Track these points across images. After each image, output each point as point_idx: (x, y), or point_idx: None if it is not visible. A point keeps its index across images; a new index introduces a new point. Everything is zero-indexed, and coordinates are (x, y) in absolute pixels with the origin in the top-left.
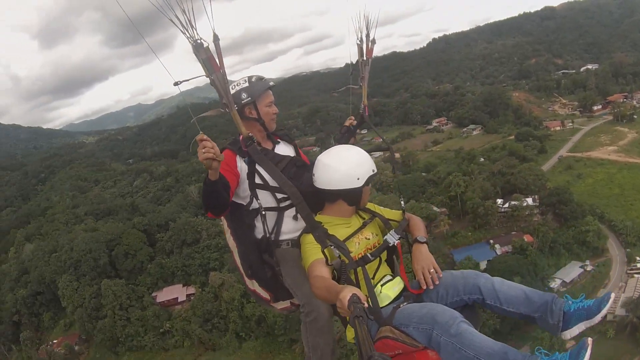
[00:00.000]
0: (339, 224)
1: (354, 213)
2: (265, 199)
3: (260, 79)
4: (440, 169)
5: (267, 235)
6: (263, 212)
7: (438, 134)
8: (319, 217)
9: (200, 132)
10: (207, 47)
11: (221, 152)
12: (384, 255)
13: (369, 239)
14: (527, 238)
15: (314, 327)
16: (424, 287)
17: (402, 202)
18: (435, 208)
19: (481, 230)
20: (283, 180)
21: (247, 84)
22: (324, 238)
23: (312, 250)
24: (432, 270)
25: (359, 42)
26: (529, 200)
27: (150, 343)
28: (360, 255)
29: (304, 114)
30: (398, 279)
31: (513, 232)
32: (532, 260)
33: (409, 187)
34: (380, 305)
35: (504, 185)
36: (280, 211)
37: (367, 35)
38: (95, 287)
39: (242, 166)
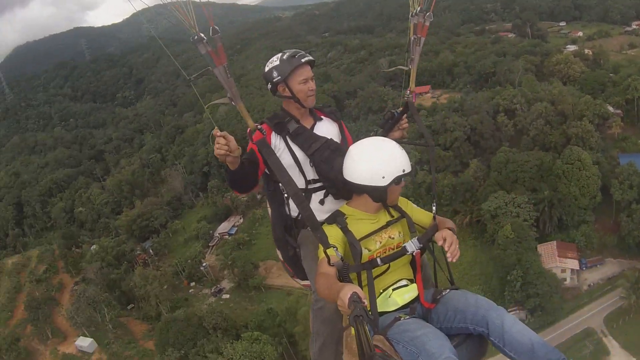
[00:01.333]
0: (362, 219)
1: (380, 209)
2: (295, 179)
3: (293, 55)
4: (625, 71)
5: (292, 215)
6: (279, 196)
7: (636, 37)
8: (343, 208)
9: (215, 127)
10: (207, 41)
11: (261, 125)
12: (407, 257)
13: (393, 238)
14: None
15: (319, 316)
16: (447, 252)
17: (434, 207)
18: (610, 108)
19: None
20: (286, 179)
21: (278, 62)
22: (326, 239)
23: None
24: (456, 247)
25: (412, 17)
26: None
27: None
28: (378, 255)
29: None
30: (414, 286)
31: None
32: None
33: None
34: (387, 310)
35: None
36: (307, 193)
37: (421, 10)
38: None
39: (276, 143)
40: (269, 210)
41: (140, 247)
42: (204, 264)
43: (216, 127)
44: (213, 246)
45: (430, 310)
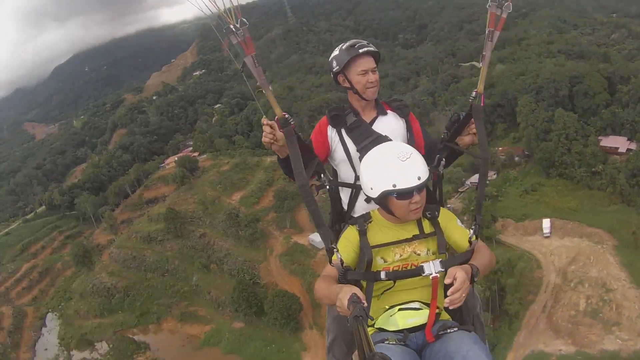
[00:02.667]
0: (386, 227)
1: (403, 221)
2: (346, 172)
3: (352, 45)
4: None
5: (344, 209)
6: (335, 188)
7: None
8: (374, 212)
9: (264, 115)
10: (237, 32)
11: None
12: (427, 279)
13: (418, 254)
14: None
15: (330, 313)
16: (449, 303)
17: (472, 230)
18: None
19: None
20: (299, 169)
21: (337, 52)
22: (329, 239)
23: (338, 246)
24: (461, 296)
25: (489, 6)
26: None
27: (579, 176)
28: (395, 268)
29: None
30: (425, 312)
31: None
32: None
33: None
34: (386, 328)
35: None
36: (356, 188)
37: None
38: (550, 113)
39: (332, 135)
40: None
41: None
42: (449, 206)
43: (264, 116)
44: (461, 192)
45: (428, 343)
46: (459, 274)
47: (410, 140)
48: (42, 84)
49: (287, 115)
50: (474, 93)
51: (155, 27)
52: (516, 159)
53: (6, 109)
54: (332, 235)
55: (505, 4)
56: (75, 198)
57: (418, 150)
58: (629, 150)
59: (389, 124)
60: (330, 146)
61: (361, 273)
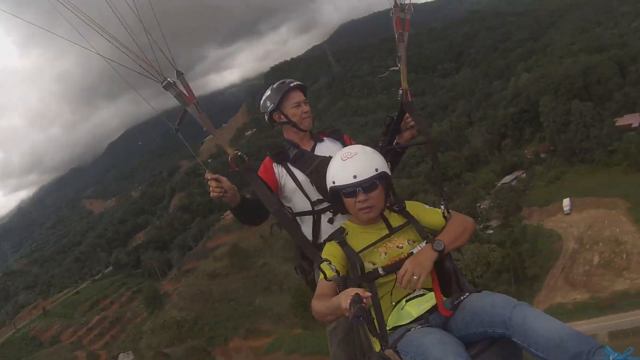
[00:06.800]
0: (362, 232)
1: (377, 221)
2: (300, 203)
3: (282, 82)
4: None
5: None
6: (297, 218)
7: None
8: (345, 224)
9: (207, 171)
10: (174, 83)
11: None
12: None
13: (401, 247)
14: None
15: (335, 338)
16: (403, 288)
17: (442, 205)
18: None
19: None
20: (266, 197)
21: (269, 92)
22: (317, 254)
23: (321, 266)
24: (415, 278)
25: (392, 14)
26: None
27: (597, 158)
28: (385, 265)
29: None
30: (430, 295)
31: None
32: None
33: None
34: (402, 323)
35: None
36: (317, 214)
37: (399, 4)
38: (567, 106)
39: (279, 172)
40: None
41: None
42: (479, 205)
43: (207, 171)
44: (491, 193)
45: (448, 318)
46: (407, 264)
47: None
48: (97, 161)
49: (239, 153)
50: (400, 91)
51: (204, 94)
52: (542, 155)
53: (63, 188)
54: (318, 253)
55: (407, 7)
56: (141, 256)
57: None
58: None
59: (328, 148)
60: (278, 182)
61: (358, 277)
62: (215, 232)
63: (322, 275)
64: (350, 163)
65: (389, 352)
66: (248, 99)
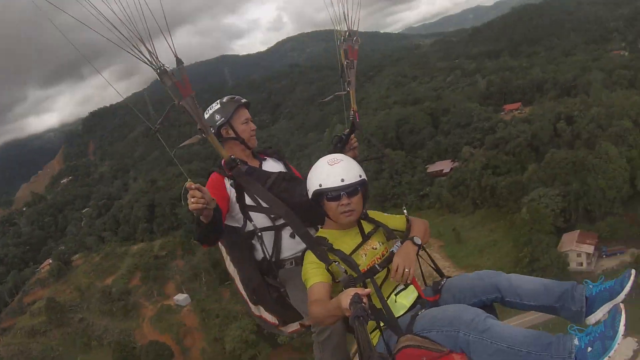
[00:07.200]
0: (342, 236)
1: (351, 226)
2: (259, 219)
3: (231, 98)
4: None
5: (268, 256)
6: (259, 233)
7: None
8: (322, 232)
9: (189, 179)
10: (172, 73)
11: (209, 175)
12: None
13: (375, 248)
14: None
15: (329, 346)
16: (397, 282)
17: (405, 209)
18: None
19: None
20: (273, 200)
21: (219, 106)
22: (326, 255)
23: (312, 272)
24: (407, 270)
25: (339, 45)
26: None
27: (410, 202)
28: (368, 267)
29: None
30: (411, 287)
31: None
32: None
33: None
34: (397, 315)
35: None
36: (277, 230)
37: (349, 35)
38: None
39: (231, 189)
40: (235, 271)
41: None
42: None
43: (189, 180)
44: None
45: (436, 301)
46: (397, 259)
47: None
48: None
49: (232, 156)
50: (352, 112)
51: (21, 137)
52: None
53: None
54: (326, 253)
55: (354, 38)
56: None
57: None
58: (452, 169)
59: (274, 166)
60: (230, 198)
61: (362, 275)
62: (31, 285)
63: (314, 280)
64: (338, 167)
65: (407, 337)
66: (65, 144)
